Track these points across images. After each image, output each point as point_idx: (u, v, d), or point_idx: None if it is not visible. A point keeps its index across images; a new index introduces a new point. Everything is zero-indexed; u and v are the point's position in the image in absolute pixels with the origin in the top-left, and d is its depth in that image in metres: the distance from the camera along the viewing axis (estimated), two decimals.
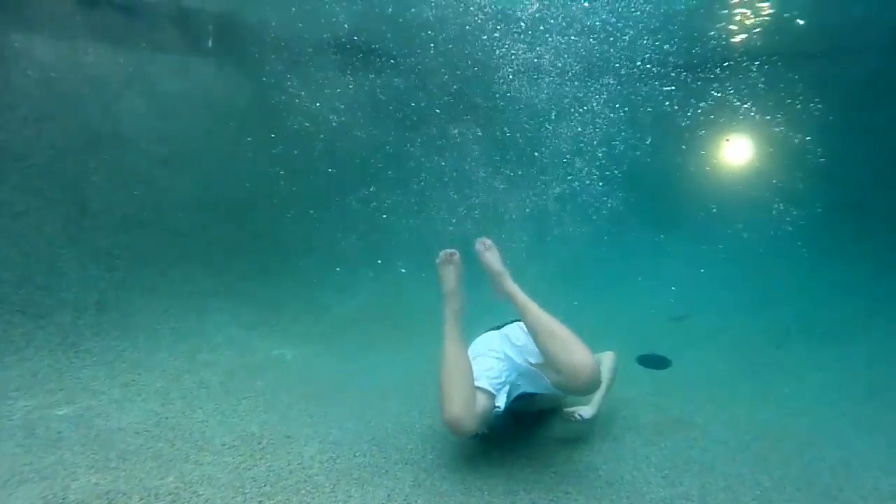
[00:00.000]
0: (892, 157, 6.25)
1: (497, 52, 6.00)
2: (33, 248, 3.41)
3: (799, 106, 6.49)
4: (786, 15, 5.92)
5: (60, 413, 2.40)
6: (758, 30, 6.17)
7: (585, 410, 2.35)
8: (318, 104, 5.65)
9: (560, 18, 5.82)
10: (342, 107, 5.80)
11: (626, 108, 6.47)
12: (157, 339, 3.40)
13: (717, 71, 6.62)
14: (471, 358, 2.13)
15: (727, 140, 7.16)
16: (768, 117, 6.74)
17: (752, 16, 6.03)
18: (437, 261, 2.34)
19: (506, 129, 6.52)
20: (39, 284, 3.28)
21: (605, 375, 2.46)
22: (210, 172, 4.85)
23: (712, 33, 6.31)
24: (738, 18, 6.11)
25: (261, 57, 5.37)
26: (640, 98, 6.62)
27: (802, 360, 3.97)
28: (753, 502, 1.98)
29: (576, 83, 6.31)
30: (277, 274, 4.83)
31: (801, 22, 5.98)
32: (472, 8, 5.69)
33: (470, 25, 5.79)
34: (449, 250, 2.32)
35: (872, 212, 6.19)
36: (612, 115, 6.37)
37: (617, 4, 5.75)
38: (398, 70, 6.21)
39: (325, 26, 5.63)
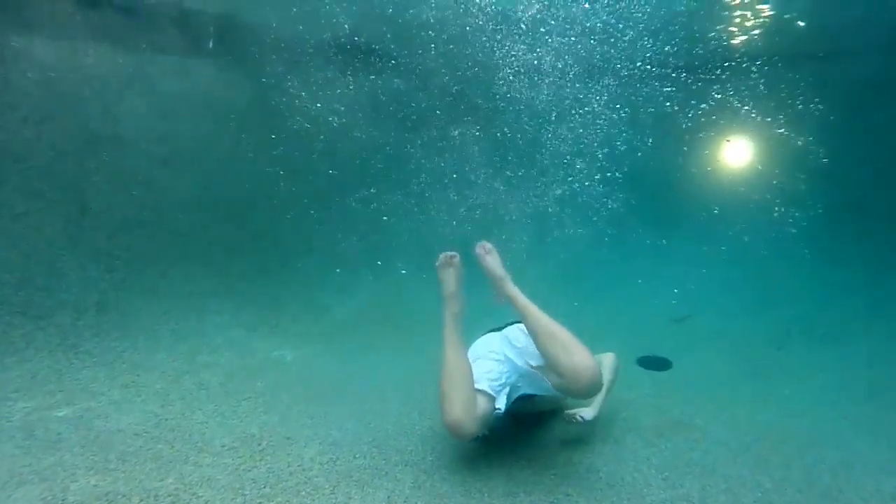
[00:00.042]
0: (892, 157, 6.25)
1: (497, 53, 5.99)
2: (33, 249, 3.41)
3: (801, 106, 6.49)
4: (786, 16, 5.92)
5: (60, 414, 2.40)
6: (758, 31, 6.17)
7: (587, 412, 2.35)
8: (318, 105, 5.65)
9: (560, 19, 5.81)
10: (342, 108, 5.80)
11: (627, 110, 6.46)
12: (156, 340, 3.40)
13: (718, 72, 6.62)
14: (471, 360, 2.12)
15: (728, 140, 7.15)
16: (769, 119, 6.74)
17: (752, 17, 6.03)
18: (437, 263, 2.33)
19: (506, 130, 6.52)
20: (39, 285, 3.28)
21: (606, 377, 2.46)
22: (210, 173, 4.85)
23: (712, 34, 6.31)
24: (738, 20, 6.11)
25: (261, 58, 5.37)
26: (640, 99, 6.61)
27: (803, 361, 3.97)
28: None
29: (577, 84, 6.31)
30: (277, 275, 4.83)
31: (802, 24, 5.98)
32: (472, 9, 5.69)
33: (470, 26, 5.79)
34: (449, 253, 2.32)
35: (873, 213, 6.19)
36: (613, 115, 6.36)
37: (617, 6, 5.74)
38: (398, 71, 6.21)
39: (326, 27, 5.63)
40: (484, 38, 5.90)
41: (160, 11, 4.81)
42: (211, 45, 5.22)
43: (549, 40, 5.97)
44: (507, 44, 5.94)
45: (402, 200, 6.05)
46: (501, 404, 2.08)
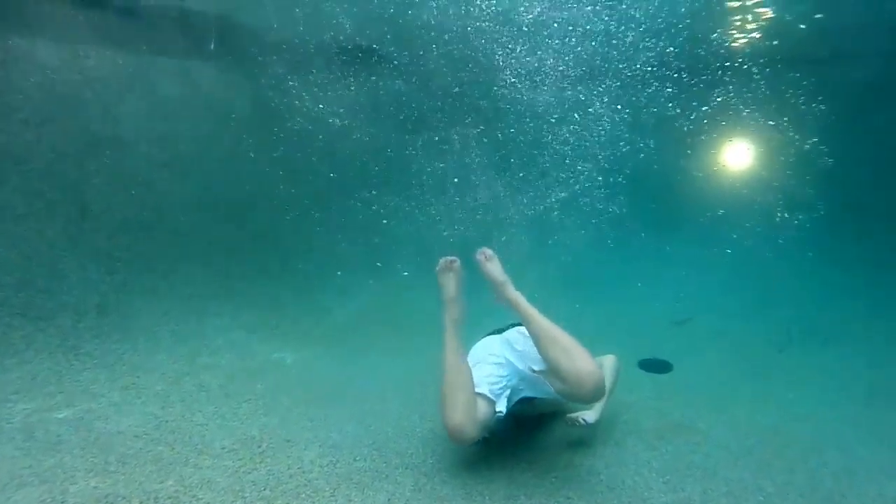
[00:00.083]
0: (892, 159, 6.26)
1: (498, 55, 6.00)
2: (34, 250, 3.41)
3: (803, 107, 6.50)
4: (788, 18, 5.92)
5: (60, 416, 2.39)
6: (758, 34, 6.18)
7: (589, 415, 2.34)
8: (318, 106, 5.66)
9: (562, 21, 5.81)
10: (343, 109, 5.80)
11: (629, 112, 6.47)
12: (157, 341, 3.39)
13: (720, 74, 6.62)
14: (472, 364, 2.12)
15: (729, 142, 7.16)
16: (772, 122, 6.74)
17: (752, 20, 6.03)
18: (437, 268, 2.32)
19: (508, 131, 6.52)
20: (40, 287, 3.28)
21: (607, 379, 2.45)
22: (211, 174, 4.85)
23: (714, 37, 6.32)
24: (738, 23, 6.11)
25: (262, 59, 5.38)
26: (642, 101, 6.62)
27: (804, 363, 3.96)
28: None
29: (578, 87, 6.31)
30: (278, 277, 4.83)
31: (803, 26, 5.98)
32: (473, 10, 5.69)
33: (471, 28, 5.79)
34: (449, 258, 2.30)
35: (873, 214, 6.19)
36: (616, 117, 6.36)
37: (619, 8, 5.74)
38: (399, 72, 6.22)
39: (326, 28, 5.64)
40: (484, 41, 5.90)
41: (161, 13, 4.82)
42: (211, 46, 5.23)
43: (550, 42, 5.97)
44: (509, 46, 5.94)
45: (402, 202, 6.05)
46: (502, 407, 2.07)
